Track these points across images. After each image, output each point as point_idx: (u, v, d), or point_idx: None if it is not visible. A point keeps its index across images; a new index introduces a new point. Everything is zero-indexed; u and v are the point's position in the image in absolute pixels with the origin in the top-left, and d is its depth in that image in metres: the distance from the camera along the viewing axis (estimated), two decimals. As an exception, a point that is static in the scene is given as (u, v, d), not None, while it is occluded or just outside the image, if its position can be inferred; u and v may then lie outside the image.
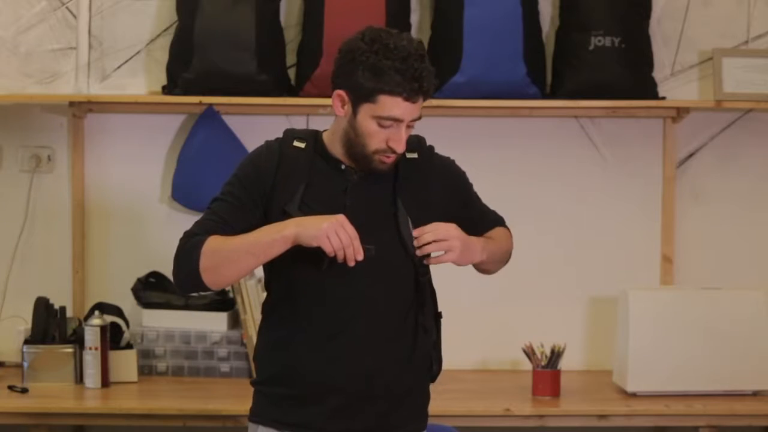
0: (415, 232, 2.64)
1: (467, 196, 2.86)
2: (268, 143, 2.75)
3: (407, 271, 2.69)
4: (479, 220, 2.86)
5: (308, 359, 2.67)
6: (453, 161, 2.86)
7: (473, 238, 2.73)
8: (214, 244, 2.60)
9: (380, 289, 2.66)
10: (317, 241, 2.54)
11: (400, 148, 2.62)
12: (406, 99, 2.58)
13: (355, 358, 2.65)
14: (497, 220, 2.92)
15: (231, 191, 2.69)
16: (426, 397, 2.81)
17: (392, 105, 2.59)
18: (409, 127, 2.64)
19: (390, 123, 2.60)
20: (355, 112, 2.62)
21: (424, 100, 2.64)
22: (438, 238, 2.62)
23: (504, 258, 2.90)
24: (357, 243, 2.55)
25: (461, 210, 2.80)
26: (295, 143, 2.71)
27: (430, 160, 2.77)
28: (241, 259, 2.60)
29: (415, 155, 2.74)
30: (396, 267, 2.67)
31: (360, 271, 2.60)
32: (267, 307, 2.78)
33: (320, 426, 2.67)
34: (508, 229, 2.94)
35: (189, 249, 2.62)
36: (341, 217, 2.56)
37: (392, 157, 2.65)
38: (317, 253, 2.58)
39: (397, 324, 2.68)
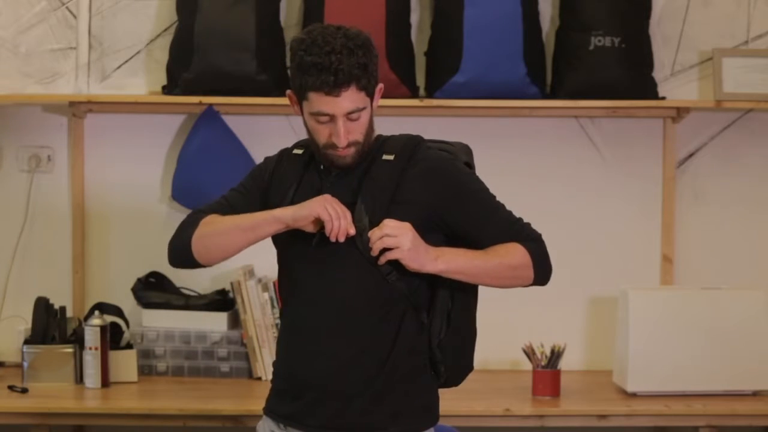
0: (370, 233, 2.60)
1: (460, 198, 2.70)
2: (280, 151, 2.83)
3: (372, 267, 2.64)
4: (481, 226, 2.70)
5: (289, 355, 2.72)
6: (447, 161, 2.73)
7: (434, 248, 2.63)
8: (210, 218, 2.73)
9: (348, 286, 2.65)
10: (313, 211, 2.58)
11: (339, 141, 2.60)
12: (328, 93, 2.57)
13: (324, 355, 2.66)
14: (517, 234, 2.72)
15: (242, 183, 2.82)
16: (415, 399, 2.72)
17: (317, 101, 2.58)
18: (352, 120, 2.61)
19: (325, 118, 2.60)
20: (301, 111, 2.66)
21: (360, 90, 2.58)
22: (384, 234, 2.58)
23: (508, 275, 2.76)
24: (348, 215, 2.59)
25: (454, 212, 2.68)
26: (295, 150, 2.78)
27: (410, 161, 2.68)
28: (228, 232, 2.68)
29: (392, 157, 2.68)
30: (359, 263, 2.64)
31: (327, 268, 2.64)
32: None
33: (303, 420, 2.69)
34: (531, 245, 2.75)
35: (188, 221, 2.76)
36: (328, 195, 2.62)
37: (342, 151, 2.62)
38: (305, 241, 2.63)
39: (370, 322, 2.65)
